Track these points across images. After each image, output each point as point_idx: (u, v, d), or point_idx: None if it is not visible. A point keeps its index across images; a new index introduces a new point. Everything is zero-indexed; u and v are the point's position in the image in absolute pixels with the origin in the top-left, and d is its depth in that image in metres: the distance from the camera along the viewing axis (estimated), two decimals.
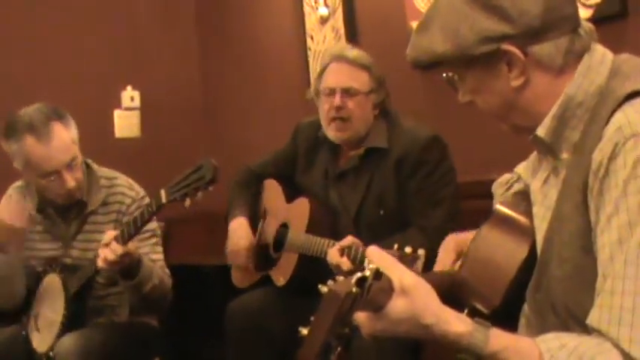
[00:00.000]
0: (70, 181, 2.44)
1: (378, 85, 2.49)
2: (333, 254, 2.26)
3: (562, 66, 1.27)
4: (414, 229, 2.36)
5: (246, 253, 2.65)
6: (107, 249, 2.26)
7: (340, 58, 2.51)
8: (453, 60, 1.29)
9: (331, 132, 2.51)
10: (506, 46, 1.24)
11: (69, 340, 2.35)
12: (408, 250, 2.00)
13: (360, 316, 1.11)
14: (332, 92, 2.47)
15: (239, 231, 2.67)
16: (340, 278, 1.07)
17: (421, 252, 2.00)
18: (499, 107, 1.31)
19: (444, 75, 1.37)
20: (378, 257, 1.14)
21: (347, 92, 2.45)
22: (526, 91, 1.28)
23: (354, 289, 1.00)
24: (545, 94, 1.27)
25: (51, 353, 2.41)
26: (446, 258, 1.58)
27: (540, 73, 1.27)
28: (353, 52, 2.53)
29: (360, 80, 2.47)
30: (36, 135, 2.39)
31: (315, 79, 2.62)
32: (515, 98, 1.29)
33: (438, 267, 1.58)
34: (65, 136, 2.43)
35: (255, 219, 2.76)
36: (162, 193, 2.22)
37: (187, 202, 2.18)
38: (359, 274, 1.01)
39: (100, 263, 2.29)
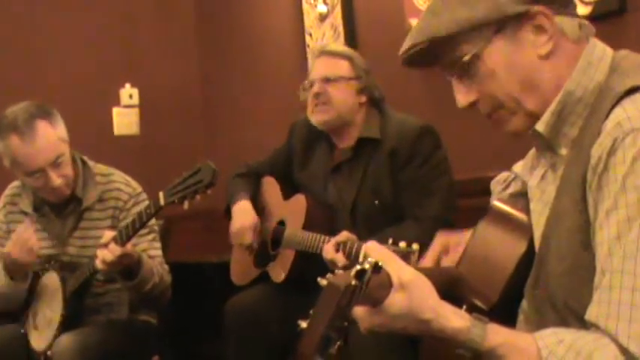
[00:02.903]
0: (56, 179, 2.44)
1: (360, 72, 2.52)
2: (328, 250, 2.27)
3: (578, 41, 1.28)
4: (409, 221, 2.37)
5: (251, 232, 2.65)
6: (105, 250, 2.26)
7: (321, 53, 2.59)
8: (483, 25, 1.26)
9: (314, 117, 2.55)
10: (538, 7, 1.25)
11: (67, 339, 2.35)
12: (402, 244, 2.01)
13: (358, 311, 1.11)
14: (313, 84, 2.53)
15: (243, 211, 2.67)
16: (340, 272, 1.07)
17: (415, 247, 2.00)
18: (518, 84, 1.27)
19: (447, 77, 1.36)
20: (376, 252, 1.14)
21: (326, 80, 2.51)
22: (551, 61, 1.27)
23: (353, 282, 1.00)
24: (567, 66, 1.26)
25: (49, 352, 2.41)
26: (431, 255, 1.58)
27: (565, 42, 1.27)
28: (334, 46, 2.63)
29: (339, 67, 2.52)
30: (19, 134, 2.39)
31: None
32: (538, 70, 1.27)
33: (425, 263, 1.58)
34: (50, 134, 2.43)
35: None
36: (161, 195, 2.22)
37: (186, 204, 2.19)
38: (358, 267, 1.01)
39: (98, 264, 2.29)
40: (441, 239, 1.61)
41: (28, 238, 2.42)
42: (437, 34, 1.27)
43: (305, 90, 2.58)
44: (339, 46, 2.64)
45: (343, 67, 2.52)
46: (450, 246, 1.57)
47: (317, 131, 2.59)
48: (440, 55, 1.31)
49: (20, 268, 2.48)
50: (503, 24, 1.26)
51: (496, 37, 1.27)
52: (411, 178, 2.40)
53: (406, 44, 1.32)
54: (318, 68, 2.56)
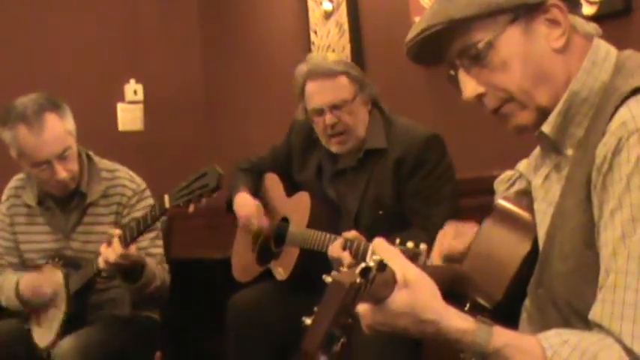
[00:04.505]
0: (61, 171, 2.44)
1: (360, 83, 2.46)
2: (335, 247, 2.26)
3: (587, 38, 1.28)
4: (416, 229, 2.33)
5: (258, 215, 2.65)
6: (109, 249, 2.27)
7: (314, 74, 2.46)
8: (501, 10, 1.25)
9: (334, 147, 2.49)
10: (554, 0, 1.25)
11: (68, 338, 2.36)
12: (410, 244, 2.00)
13: (362, 307, 1.11)
14: (321, 112, 2.45)
15: (244, 200, 2.67)
16: (345, 269, 1.07)
17: (423, 247, 1.99)
18: (531, 77, 1.26)
19: (451, 72, 1.34)
20: (383, 249, 1.14)
21: (336, 107, 2.43)
22: (564, 55, 1.26)
23: (358, 280, 1.00)
24: (578, 61, 1.26)
25: (51, 350, 2.42)
26: (442, 240, 1.57)
27: (577, 37, 1.27)
28: (324, 63, 2.48)
29: (343, 89, 2.43)
30: (28, 124, 2.40)
31: (297, 99, 2.56)
32: (551, 63, 1.26)
33: (435, 251, 1.57)
34: (58, 126, 2.43)
35: None
36: (166, 198, 2.22)
37: (191, 207, 2.20)
38: (363, 265, 1.01)
39: (100, 263, 2.30)
40: (450, 228, 1.60)
41: (42, 288, 2.47)
42: (454, 17, 1.25)
43: (310, 116, 2.50)
44: (329, 59, 2.50)
45: (345, 87, 2.43)
46: (460, 231, 1.56)
47: (316, 136, 2.56)
48: (450, 42, 1.30)
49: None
50: (518, 14, 1.25)
51: (511, 27, 1.26)
52: (417, 187, 2.38)
53: (417, 29, 1.30)
54: (321, 95, 2.45)
